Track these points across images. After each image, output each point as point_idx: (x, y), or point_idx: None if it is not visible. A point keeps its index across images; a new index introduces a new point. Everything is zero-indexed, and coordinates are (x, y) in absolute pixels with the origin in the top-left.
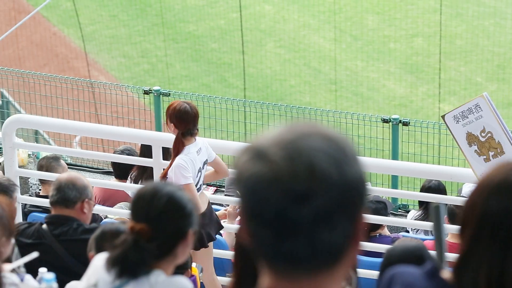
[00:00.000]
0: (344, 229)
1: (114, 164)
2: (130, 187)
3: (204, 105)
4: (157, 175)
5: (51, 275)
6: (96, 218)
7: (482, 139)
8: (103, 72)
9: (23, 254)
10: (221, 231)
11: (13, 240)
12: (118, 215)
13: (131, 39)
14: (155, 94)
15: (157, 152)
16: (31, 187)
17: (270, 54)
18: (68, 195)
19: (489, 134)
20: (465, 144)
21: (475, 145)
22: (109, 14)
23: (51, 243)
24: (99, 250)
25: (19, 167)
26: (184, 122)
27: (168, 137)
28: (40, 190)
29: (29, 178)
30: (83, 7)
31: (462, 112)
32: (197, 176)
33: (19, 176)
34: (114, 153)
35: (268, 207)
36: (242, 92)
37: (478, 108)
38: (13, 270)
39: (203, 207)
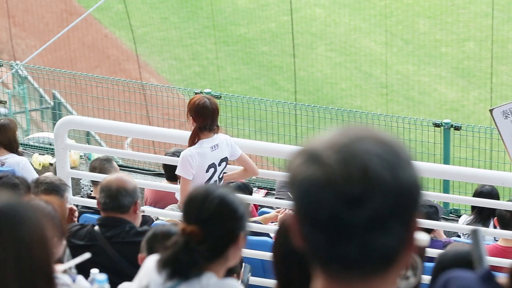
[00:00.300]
0: (398, 233)
1: (165, 166)
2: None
3: (255, 108)
4: None
5: (103, 276)
6: (147, 220)
7: None
8: (154, 74)
9: (75, 255)
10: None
11: (64, 241)
12: (169, 217)
13: (182, 42)
14: None
15: None
16: (83, 188)
17: (321, 57)
18: (123, 202)
19: None
20: (510, 140)
21: None
22: (160, 17)
23: (103, 245)
24: (150, 252)
25: (71, 168)
26: (202, 116)
27: None
28: (91, 191)
29: (81, 179)
30: (135, 9)
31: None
32: (207, 171)
33: (71, 177)
34: (165, 155)
35: (321, 211)
36: (293, 95)
37: None
38: (64, 271)
39: None
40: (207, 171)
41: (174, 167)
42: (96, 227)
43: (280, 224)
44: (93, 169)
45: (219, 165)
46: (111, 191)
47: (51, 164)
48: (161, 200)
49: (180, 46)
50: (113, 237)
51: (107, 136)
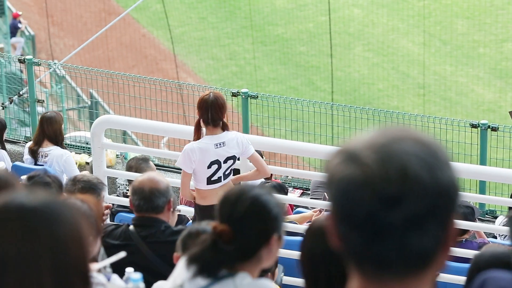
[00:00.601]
0: (435, 234)
1: None
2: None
3: (292, 108)
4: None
5: (138, 275)
6: (183, 219)
7: None
8: (191, 74)
9: (110, 255)
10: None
11: (99, 240)
12: None
13: (219, 42)
14: (243, 96)
15: None
16: (119, 187)
17: (358, 57)
18: (157, 203)
19: None
20: None
21: None
22: (198, 16)
23: (138, 245)
24: (185, 251)
25: (107, 167)
26: (201, 109)
27: (256, 139)
28: (127, 190)
29: (117, 178)
30: (173, 9)
31: None
32: (209, 167)
33: (107, 176)
34: None
35: (359, 210)
36: (330, 95)
37: None
38: (99, 270)
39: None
40: (209, 167)
41: None
42: (131, 227)
43: (310, 225)
44: (129, 168)
45: (225, 162)
46: (144, 193)
47: (87, 163)
48: None
49: (218, 46)
50: (148, 237)
51: (143, 135)
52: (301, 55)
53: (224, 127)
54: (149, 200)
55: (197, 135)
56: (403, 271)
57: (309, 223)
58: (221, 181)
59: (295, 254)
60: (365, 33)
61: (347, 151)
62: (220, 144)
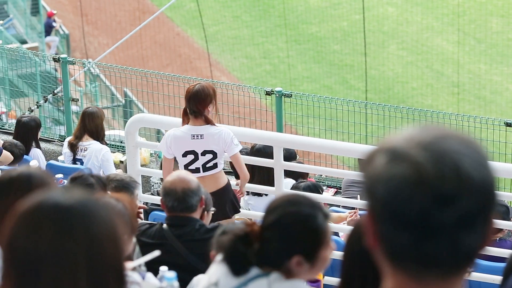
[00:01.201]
0: (481, 232)
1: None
2: (252, 188)
3: (326, 107)
4: (278, 176)
5: (172, 274)
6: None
7: None
8: (225, 73)
9: (144, 253)
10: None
11: (134, 239)
12: (239, 215)
13: (253, 40)
14: (277, 95)
15: (278, 153)
16: (153, 186)
17: (392, 56)
18: (191, 203)
19: None
20: None
21: None
22: (232, 15)
23: (173, 243)
24: (219, 249)
25: (141, 166)
26: (185, 99)
27: (289, 139)
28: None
29: (151, 177)
30: (207, 8)
31: None
32: (184, 156)
33: (141, 175)
34: None
35: (411, 209)
36: (364, 94)
37: None
38: (134, 269)
39: (208, 189)
40: (184, 155)
41: None
42: (165, 226)
43: (354, 226)
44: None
45: (203, 155)
46: (177, 194)
47: (121, 162)
48: None
49: (252, 45)
50: (183, 236)
51: None
52: (335, 54)
53: (208, 121)
54: (183, 201)
55: (185, 121)
56: (449, 269)
57: (344, 223)
58: (199, 172)
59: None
60: (399, 32)
61: (392, 149)
62: (198, 136)
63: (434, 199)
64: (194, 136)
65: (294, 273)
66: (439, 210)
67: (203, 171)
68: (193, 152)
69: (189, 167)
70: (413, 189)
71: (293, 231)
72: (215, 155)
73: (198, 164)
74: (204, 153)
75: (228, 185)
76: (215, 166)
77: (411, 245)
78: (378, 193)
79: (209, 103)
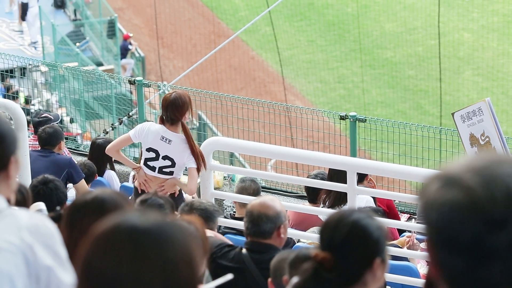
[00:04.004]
0: None
1: (307, 188)
2: (323, 212)
3: (400, 132)
4: (351, 201)
5: None
6: (289, 242)
7: (482, 142)
8: (299, 97)
9: (220, 276)
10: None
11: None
12: (310, 239)
13: (328, 65)
14: (351, 120)
15: (351, 178)
16: (226, 209)
17: (467, 82)
18: (264, 229)
19: (487, 139)
20: (468, 145)
21: (475, 146)
22: (307, 39)
23: (251, 269)
24: (293, 274)
25: (215, 189)
26: (162, 107)
27: (363, 163)
28: (234, 212)
29: (224, 200)
30: (282, 32)
31: (467, 113)
32: (147, 151)
33: (214, 198)
34: (307, 177)
35: (463, 234)
36: (438, 120)
37: (480, 112)
38: None
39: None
40: (147, 150)
41: (317, 189)
42: (244, 250)
43: None
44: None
45: (163, 159)
46: (253, 217)
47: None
48: (303, 222)
49: (326, 69)
50: (262, 263)
51: (250, 157)
52: (410, 79)
53: (185, 132)
54: (256, 224)
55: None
56: None
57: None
58: (155, 171)
59: (398, 278)
60: (475, 57)
61: (446, 175)
62: (166, 140)
63: (485, 223)
64: (163, 138)
65: (369, 285)
66: (491, 234)
67: (158, 173)
68: (155, 151)
69: (148, 163)
70: (464, 214)
71: (366, 236)
72: (173, 164)
73: (156, 164)
74: (164, 157)
75: (179, 195)
76: (170, 173)
77: (465, 271)
78: (432, 219)
79: (186, 110)
